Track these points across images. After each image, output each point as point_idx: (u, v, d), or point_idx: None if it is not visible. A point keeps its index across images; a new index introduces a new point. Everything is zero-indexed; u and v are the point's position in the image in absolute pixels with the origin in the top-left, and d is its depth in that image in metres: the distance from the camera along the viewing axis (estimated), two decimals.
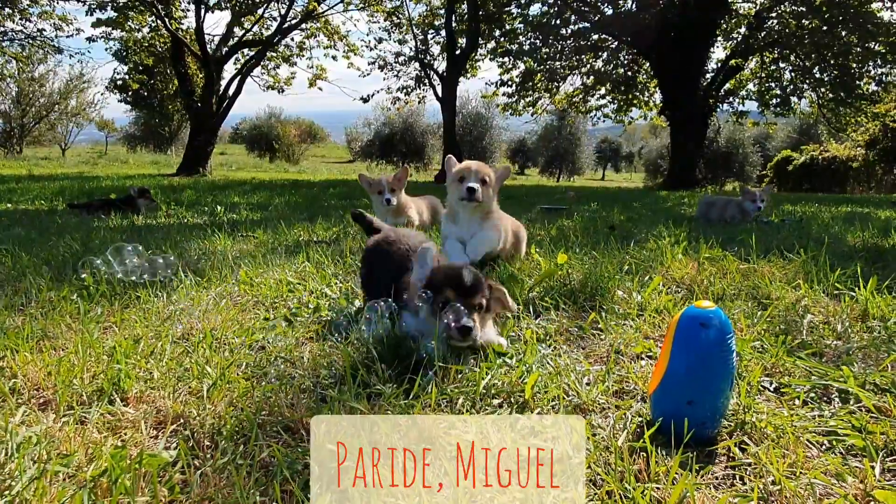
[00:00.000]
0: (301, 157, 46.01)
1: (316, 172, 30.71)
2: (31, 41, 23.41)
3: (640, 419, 1.72)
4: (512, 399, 1.84)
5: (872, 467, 1.44)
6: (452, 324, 2.09)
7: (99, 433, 1.55)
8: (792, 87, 22.22)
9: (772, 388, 1.95)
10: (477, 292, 2.22)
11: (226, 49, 22.57)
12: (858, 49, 19.70)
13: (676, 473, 1.35)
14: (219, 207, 7.70)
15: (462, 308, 2.13)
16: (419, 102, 26.87)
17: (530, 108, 26.05)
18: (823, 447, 1.59)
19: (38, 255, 3.74)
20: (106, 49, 25.14)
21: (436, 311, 2.17)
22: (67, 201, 7.96)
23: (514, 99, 25.28)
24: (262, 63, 23.80)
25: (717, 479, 1.45)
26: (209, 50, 21.65)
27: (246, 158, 42.31)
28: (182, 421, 1.63)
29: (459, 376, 1.94)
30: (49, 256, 3.73)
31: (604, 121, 27.51)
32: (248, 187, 13.03)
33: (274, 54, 24.33)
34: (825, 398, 1.88)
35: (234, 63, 23.15)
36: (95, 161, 31.37)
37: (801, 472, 1.41)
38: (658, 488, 1.33)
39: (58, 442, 1.46)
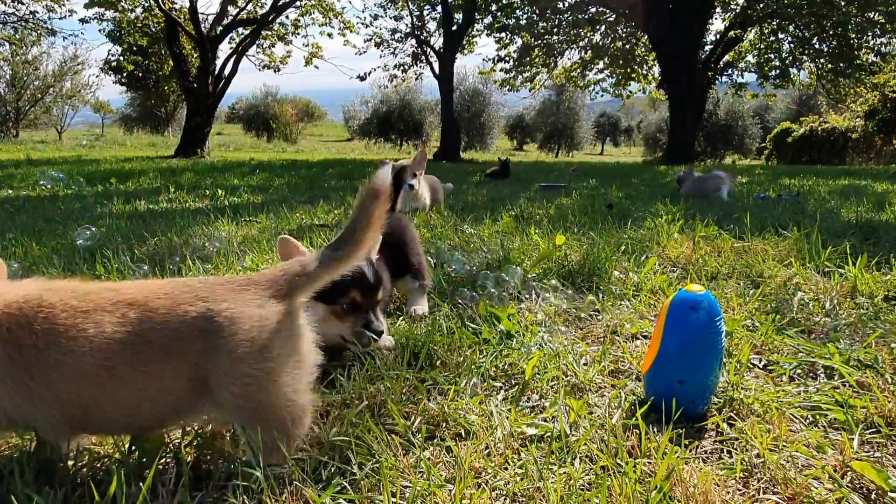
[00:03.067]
0: (299, 136, 45.76)
1: (314, 152, 30.64)
2: (23, 24, 23.20)
3: (634, 397, 1.81)
4: (513, 381, 1.93)
5: (851, 440, 1.53)
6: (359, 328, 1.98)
7: None
8: (791, 58, 22.07)
9: (760, 366, 2.04)
10: (379, 288, 2.08)
11: (220, 28, 22.36)
12: (857, 19, 19.55)
13: (665, 449, 1.44)
14: (219, 191, 7.74)
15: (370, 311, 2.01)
16: (416, 79, 26.74)
17: (528, 83, 25.89)
18: (807, 421, 1.68)
19: (48, 244, 3.81)
20: (99, 30, 25.18)
21: (339, 314, 2.01)
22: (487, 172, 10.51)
23: (512, 74, 25.14)
24: (257, 42, 23.60)
25: (705, 452, 1.55)
26: (203, 29, 21.46)
27: (243, 138, 42.13)
28: None
29: (462, 359, 2.03)
30: (58, 246, 3.81)
31: (602, 95, 27.43)
32: (247, 168, 13.03)
33: (269, 33, 24.12)
34: (811, 374, 1.97)
35: (229, 42, 22.97)
36: (92, 144, 31.27)
37: (783, 446, 1.51)
38: (649, 463, 1.43)
39: None
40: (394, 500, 1.29)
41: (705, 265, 3.26)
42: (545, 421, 1.65)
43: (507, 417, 1.64)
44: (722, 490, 1.36)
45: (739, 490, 1.37)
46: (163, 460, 1.40)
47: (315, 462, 1.43)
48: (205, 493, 1.31)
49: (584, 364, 2.05)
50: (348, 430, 1.54)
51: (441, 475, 1.39)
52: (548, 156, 41.64)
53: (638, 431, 1.53)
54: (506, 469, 1.43)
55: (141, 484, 1.19)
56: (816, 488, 1.35)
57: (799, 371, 1.98)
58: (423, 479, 1.35)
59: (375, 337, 2.01)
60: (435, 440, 1.58)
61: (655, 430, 1.59)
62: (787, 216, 4.78)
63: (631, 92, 26.69)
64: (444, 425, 1.64)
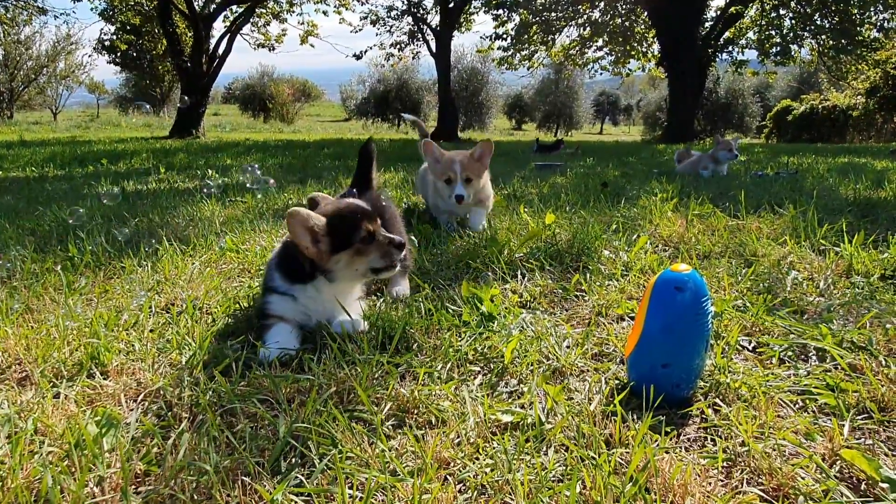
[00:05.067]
0: (296, 116, 45.36)
1: (311, 132, 30.39)
2: (14, 2, 22.82)
3: (617, 382, 1.73)
4: (491, 364, 1.85)
5: (841, 426, 1.46)
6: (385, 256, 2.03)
7: (77, 407, 1.56)
8: (792, 34, 21.79)
9: (750, 348, 1.96)
10: (376, 213, 2.13)
11: (214, 6, 22.04)
12: None
13: (646, 437, 1.37)
14: (210, 171, 7.63)
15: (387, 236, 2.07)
16: (413, 58, 26.44)
17: (526, 61, 25.61)
18: (797, 406, 1.60)
19: (24, 225, 3.72)
20: (91, 9, 24.59)
21: (359, 249, 2.02)
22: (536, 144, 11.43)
23: (510, 52, 24.85)
24: (251, 20, 23.28)
25: (688, 440, 1.47)
26: (197, 7, 21.13)
27: (240, 119, 41.78)
28: (162, 394, 1.64)
29: (438, 342, 1.95)
30: (35, 226, 3.72)
31: (601, 73, 27.14)
32: (242, 149, 12.89)
33: (263, 10, 23.79)
34: (802, 356, 1.89)
35: (223, 21, 22.66)
36: (87, 125, 30.98)
37: (770, 433, 1.43)
38: (627, 452, 1.35)
39: (36, 416, 1.47)
40: (351, 492, 1.22)
41: (698, 244, 3.17)
42: (522, 407, 1.57)
43: (482, 404, 1.56)
44: (703, 480, 1.28)
45: (721, 481, 1.30)
46: (109, 453, 1.33)
47: (276, 452, 1.35)
48: (152, 489, 1.24)
49: (567, 347, 1.96)
50: (313, 417, 1.46)
51: (406, 467, 1.31)
52: (546, 135, 41.33)
53: (616, 419, 1.46)
54: (477, 459, 1.35)
55: (75, 480, 1.11)
56: (803, 479, 1.28)
57: (790, 353, 1.90)
58: (386, 472, 1.28)
59: (401, 248, 2.06)
60: (405, 428, 1.50)
61: (636, 416, 1.51)
62: (783, 194, 4.68)
63: (630, 70, 26.41)
64: (415, 412, 1.56)
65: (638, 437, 1.33)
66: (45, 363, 1.77)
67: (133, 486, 1.26)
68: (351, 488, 1.24)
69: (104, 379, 1.73)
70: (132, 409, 1.58)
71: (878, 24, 20.30)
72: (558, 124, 46.99)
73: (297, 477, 1.26)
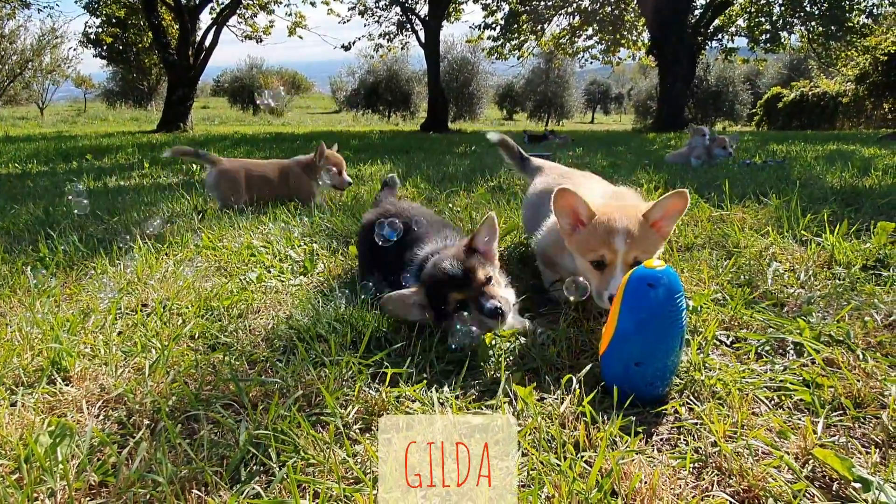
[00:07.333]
0: (285, 108, 45.05)
1: (300, 125, 30.20)
2: None
3: (591, 380, 1.70)
4: (466, 362, 1.81)
5: (815, 423, 1.43)
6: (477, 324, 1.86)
7: (36, 415, 1.52)
8: (781, 21, 21.72)
9: (728, 343, 1.93)
10: (474, 272, 1.93)
11: None
12: None
13: (615, 438, 1.34)
14: (195, 167, 7.54)
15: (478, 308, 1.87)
16: (402, 49, 26.21)
17: (516, 51, 25.48)
18: (772, 402, 1.58)
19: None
20: (76, 1, 24.30)
21: (451, 316, 1.91)
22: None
23: (500, 42, 24.71)
24: (237, 11, 23.03)
25: (660, 441, 1.44)
26: None
27: (229, 112, 41.48)
28: (124, 400, 1.59)
29: (411, 340, 1.91)
30: (10, 225, 3.65)
31: (591, 62, 27.04)
32: (229, 143, 12.78)
33: (250, 2, 23.54)
34: (780, 351, 1.86)
35: (210, 13, 22.41)
36: (74, 119, 30.71)
37: (742, 433, 1.40)
38: (595, 456, 1.32)
39: None
40: (308, 503, 1.18)
41: (681, 235, 3.14)
42: (493, 409, 1.54)
43: (452, 406, 1.52)
44: (673, 482, 1.25)
45: (691, 483, 1.27)
46: (62, 465, 1.28)
47: (236, 460, 1.32)
48: (105, 501, 1.20)
49: (542, 343, 1.93)
50: (277, 422, 1.43)
51: (369, 475, 1.28)
52: (538, 125, 41.24)
53: (586, 420, 1.42)
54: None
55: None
56: (774, 480, 1.25)
57: (767, 348, 1.87)
58: (341, 482, 1.24)
59: (494, 319, 1.86)
60: (372, 432, 1.46)
61: (607, 417, 1.48)
62: (769, 183, 4.65)
63: (620, 59, 26.31)
64: (384, 415, 1.52)
65: (604, 441, 1.30)
66: (4, 369, 1.72)
67: (87, 499, 1.22)
68: (310, 499, 1.20)
69: (66, 385, 1.68)
70: (94, 416, 1.54)
71: (868, 9, 20.27)
72: (549, 114, 46.84)
73: (254, 488, 1.23)
